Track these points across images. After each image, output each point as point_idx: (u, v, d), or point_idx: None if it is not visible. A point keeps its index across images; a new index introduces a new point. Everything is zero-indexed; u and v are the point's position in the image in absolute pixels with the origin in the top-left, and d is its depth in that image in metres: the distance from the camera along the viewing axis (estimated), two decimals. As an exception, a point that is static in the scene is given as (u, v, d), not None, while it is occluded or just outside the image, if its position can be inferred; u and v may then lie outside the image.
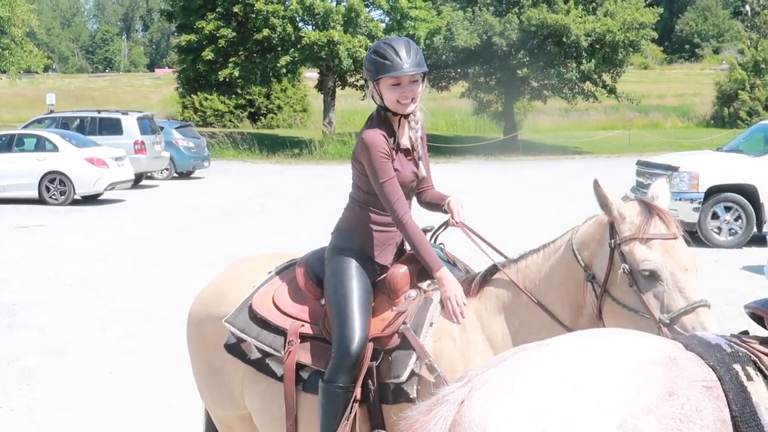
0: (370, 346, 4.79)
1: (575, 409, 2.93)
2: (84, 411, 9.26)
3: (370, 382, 4.76)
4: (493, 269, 4.91)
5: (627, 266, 4.27)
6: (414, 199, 5.30)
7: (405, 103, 4.92)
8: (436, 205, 5.29)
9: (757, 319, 3.52)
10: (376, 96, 4.99)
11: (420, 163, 5.17)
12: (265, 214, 24.55)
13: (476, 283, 4.90)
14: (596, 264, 4.45)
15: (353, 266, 4.99)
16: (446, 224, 5.22)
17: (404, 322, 4.81)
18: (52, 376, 10.39)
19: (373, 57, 4.90)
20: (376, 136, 4.92)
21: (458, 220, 5.11)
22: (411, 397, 4.61)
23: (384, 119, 5.02)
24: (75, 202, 27.53)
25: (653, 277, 4.22)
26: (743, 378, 3.08)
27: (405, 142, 5.07)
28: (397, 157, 4.99)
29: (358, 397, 4.74)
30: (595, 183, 4.36)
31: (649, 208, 4.37)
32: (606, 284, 4.38)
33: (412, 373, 4.69)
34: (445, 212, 5.23)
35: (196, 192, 31.33)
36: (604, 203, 4.37)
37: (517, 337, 4.62)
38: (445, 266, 4.82)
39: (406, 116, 5.03)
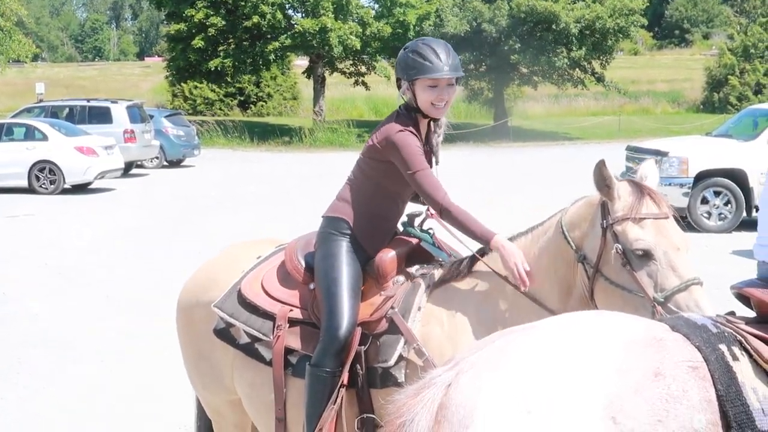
0: (359, 330, 4.78)
1: (561, 391, 2.94)
2: (76, 401, 9.26)
3: (358, 366, 4.76)
4: (481, 253, 4.89)
5: (620, 246, 4.28)
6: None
7: (439, 106, 4.90)
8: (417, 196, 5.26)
9: (743, 299, 3.52)
10: (408, 95, 4.94)
11: (435, 167, 5.15)
12: (257, 202, 24.52)
13: (464, 266, 4.90)
14: (587, 245, 4.45)
15: (343, 251, 4.99)
16: (426, 215, 5.20)
17: (392, 307, 4.81)
18: (44, 367, 10.38)
19: (412, 57, 4.86)
20: (409, 134, 4.87)
21: (432, 212, 5.08)
22: (399, 381, 4.61)
23: (411, 119, 4.98)
24: (65, 191, 27.48)
25: (646, 256, 4.23)
26: (729, 358, 3.10)
27: (426, 146, 5.06)
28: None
29: (346, 381, 4.74)
30: (602, 163, 4.33)
31: (640, 188, 4.38)
32: (598, 264, 4.38)
33: (400, 358, 4.69)
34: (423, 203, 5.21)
35: (186, 180, 31.30)
36: (606, 183, 4.35)
37: (506, 319, 4.61)
38: (499, 234, 4.76)
39: (435, 120, 5.01)
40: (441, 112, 4.94)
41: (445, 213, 4.84)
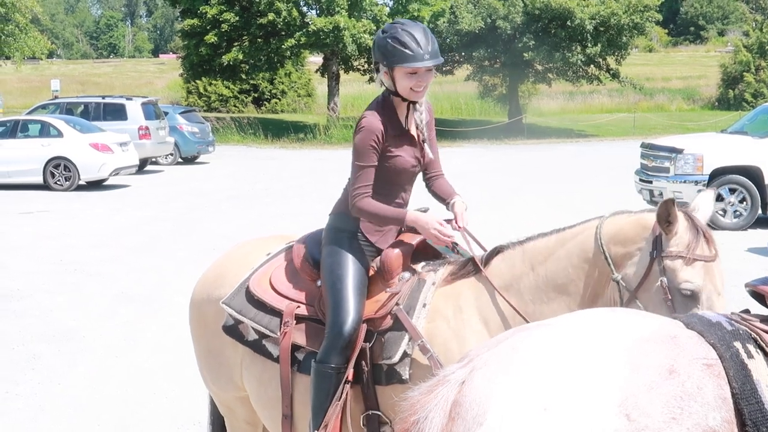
0: (364, 327, 4.78)
1: (577, 388, 2.92)
2: (88, 395, 9.27)
3: (363, 363, 4.75)
4: (495, 251, 4.87)
5: (665, 280, 4.24)
6: (420, 186, 5.26)
7: (418, 91, 4.88)
8: (441, 198, 5.24)
9: (758, 297, 3.50)
10: (387, 80, 4.92)
11: (426, 146, 5.13)
12: (270, 199, 24.58)
13: (472, 263, 4.87)
14: (630, 268, 4.39)
15: (349, 248, 4.98)
16: (451, 252, 5.15)
17: (397, 303, 4.80)
18: (57, 361, 10.41)
19: (392, 44, 4.82)
20: (374, 124, 4.87)
21: (461, 224, 5.03)
22: (404, 378, 4.60)
23: (389, 104, 4.97)
24: (80, 188, 27.60)
25: (692, 297, 4.21)
26: (744, 356, 3.07)
27: (411, 128, 5.03)
28: (399, 143, 4.95)
29: (351, 378, 4.74)
30: (671, 201, 4.24)
31: (696, 226, 4.32)
32: (637, 291, 4.33)
33: (405, 354, 4.68)
34: (448, 209, 5.18)
35: (200, 177, 31.36)
36: (669, 219, 4.27)
37: (514, 318, 4.60)
38: (409, 210, 4.85)
39: (414, 102, 4.99)
40: (420, 96, 4.93)
41: (355, 209, 4.89)
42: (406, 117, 5.02)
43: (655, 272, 4.29)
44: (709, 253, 4.29)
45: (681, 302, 4.22)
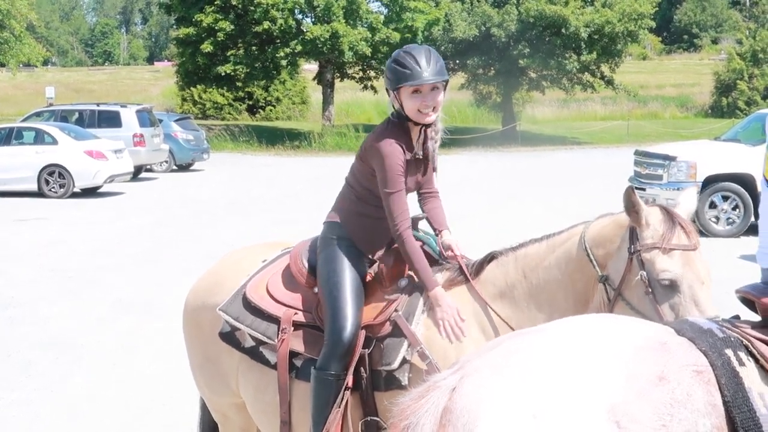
0: (363, 333, 4.80)
1: (566, 395, 2.93)
2: (84, 403, 9.28)
3: (362, 369, 4.77)
4: (489, 258, 4.89)
5: (645, 273, 4.23)
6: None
7: (425, 112, 4.86)
8: (431, 224, 5.28)
9: (748, 303, 3.51)
10: (396, 104, 4.93)
11: (435, 174, 5.19)
12: (265, 206, 24.57)
13: (472, 271, 4.89)
14: (612, 266, 4.41)
15: (346, 255, 4.99)
16: (446, 260, 5.13)
17: (396, 310, 4.83)
18: (53, 369, 10.41)
19: (393, 66, 4.86)
20: (395, 148, 4.86)
21: (459, 253, 5.04)
22: (403, 384, 4.62)
23: (402, 128, 4.97)
24: (74, 195, 27.59)
25: (671, 287, 4.19)
26: (735, 363, 3.09)
27: (420, 152, 5.03)
28: (407, 167, 4.95)
29: (350, 384, 4.76)
30: (631, 189, 4.27)
31: (672, 217, 4.33)
32: (621, 287, 4.34)
33: (404, 361, 4.70)
34: (437, 238, 5.20)
35: (195, 184, 31.35)
36: (634, 209, 4.29)
37: (510, 322, 4.61)
38: (440, 286, 4.78)
39: (427, 126, 4.99)
40: (428, 118, 4.89)
41: (399, 240, 4.87)
42: (420, 143, 5.02)
43: (634, 266, 4.29)
44: (687, 242, 4.27)
45: (662, 293, 4.20)
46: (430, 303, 4.82)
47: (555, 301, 4.60)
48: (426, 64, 4.80)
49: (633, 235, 4.34)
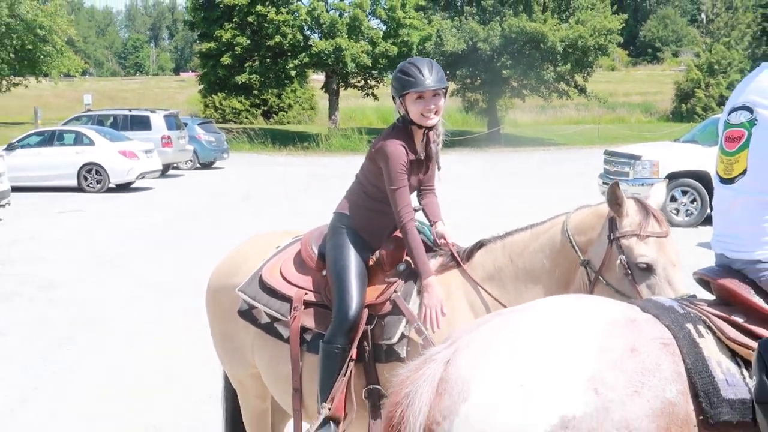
0: (366, 311, 4.79)
1: (549, 366, 2.93)
2: (117, 372, 9.29)
3: (365, 343, 4.77)
4: (479, 245, 4.88)
5: (624, 257, 4.24)
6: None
7: (428, 116, 4.85)
8: (428, 216, 5.27)
9: (705, 284, 3.52)
10: (402, 110, 4.92)
11: (437, 173, 5.20)
12: (278, 200, 24.55)
13: (463, 256, 4.89)
14: (592, 251, 4.40)
15: (351, 242, 4.98)
16: (440, 247, 5.10)
17: (395, 291, 4.83)
18: (88, 343, 10.43)
19: (399, 75, 4.86)
20: (398, 149, 4.86)
21: (450, 241, 5.03)
22: (401, 356, 4.62)
23: (406, 131, 4.95)
24: (109, 190, 27.58)
25: (648, 270, 4.21)
26: (695, 336, 3.09)
27: (422, 153, 5.02)
28: (410, 167, 4.94)
29: (354, 356, 4.75)
30: (616, 184, 4.29)
31: (646, 208, 4.35)
32: (601, 270, 4.34)
33: (402, 336, 4.70)
34: (432, 227, 5.21)
35: (216, 181, 31.35)
36: (617, 202, 4.30)
37: (495, 304, 4.61)
38: (433, 276, 4.78)
39: (429, 129, 4.97)
40: (431, 121, 4.89)
41: (403, 231, 4.86)
42: (423, 144, 5.01)
43: (614, 252, 4.30)
44: (660, 230, 4.30)
45: (639, 275, 4.22)
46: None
47: (539, 283, 4.59)
48: (428, 73, 4.80)
49: (612, 224, 4.34)
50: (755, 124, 3.28)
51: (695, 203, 19.07)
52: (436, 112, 4.87)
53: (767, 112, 3.26)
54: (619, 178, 19.59)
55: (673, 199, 18.93)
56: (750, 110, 3.31)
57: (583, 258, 4.43)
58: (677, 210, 18.94)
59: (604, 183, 20.34)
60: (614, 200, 4.32)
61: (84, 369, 9.43)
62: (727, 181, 3.41)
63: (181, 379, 8.93)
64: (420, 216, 5.11)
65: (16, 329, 11.12)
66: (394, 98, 4.97)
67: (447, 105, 4.95)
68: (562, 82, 49.80)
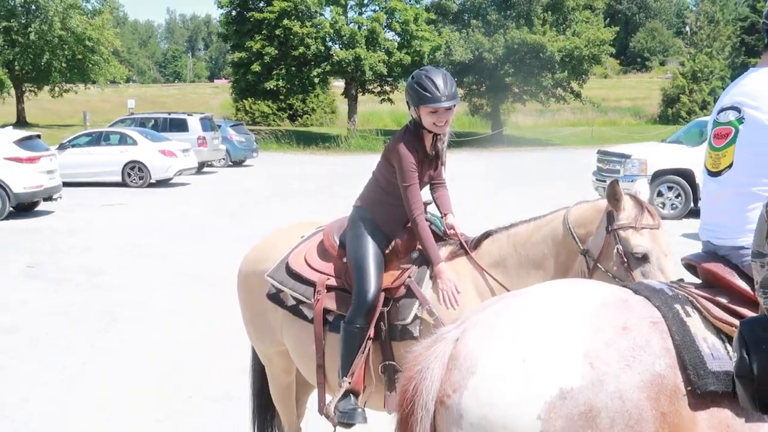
0: (382, 295, 4.80)
1: (549, 344, 2.93)
2: (154, 352, 9.33)
3: (382, 323, 4.77)
4: (485, 235, 4.88)
5: (621, 247, 4.26)
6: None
7: (440, 125, 4.83)
8: (439, 207, 5.26)
9: (691, 269, 3.52)
10: (415, 116, 4.88)
11: (443, 169, 5.18)
12: (301, 194, 24.60)
13: (471, 245, 4.88)
14: (591, 242, 4.40)
15: (369, 233, 4.98)
16: (449, 237, 5.08)
17: (409, 276, 4.82)
18: (132, 323, 10.49)
19: (416, 87, 4.79)
20: (409, 150, 4.84)
21: (459, 232, 5.01)
22: (415, 335, 4.62)
23: (417, 134, 4.92)
24: (150, 185, 27.68)
25: (643, 258, 4.23)
26: (683, 315, 3.09)
27: (431, 152, 5.00)
28: (421, 166, 4.93)
29: (372, 335, 4.76)
30: (615, 182, 4.30)
31: (640, 203, 4.36)
32: (599, 259, 4.34)
33: (415, 317, 4.70)
34: (443, 219, 5.18)
35: (246, 177, 31.39)
36: (616, 197, 4.31)
37: (500, 289, 4.61)
38: (443, 262, 4.77)
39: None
40: (442, 130, 4.88)
41: (414, 223, 4.85)
42: (431, 144, 4.98)
43: (611, 242, 4.30)
44: (653, 222, 4.32)
45: (635, 263, 4.24)
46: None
47: (540, 270, 4.58)
48: (444, 89, 4.74)
49: (610, 217, 4.34)
50: (743, 122, 3.30)
51: (680, 198, 19.09)
52: (446, 121, 4.85)
53: (753, 111, 3.27)
54: (610, 175, 19.60)
55: (659, 194, 18.95)
56: (738, 110, 3.33)
57: (582, 248, 4.43)
58: (663, 204, 18.93)
59: (597, 180, 20.34)
60: (613, 196, 4.32)
61: (126, 347, 9.47)
62: (715, 174, 3.41)
63: (215, 356, 8.96)
64: (432, 208, 5.10)
65: (65, 311, 11.18)
66: (408, 104, 4.94)
67: (455, 109, 4.92)
68: (559, 88, 49.77)
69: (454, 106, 4.84)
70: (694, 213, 17.89)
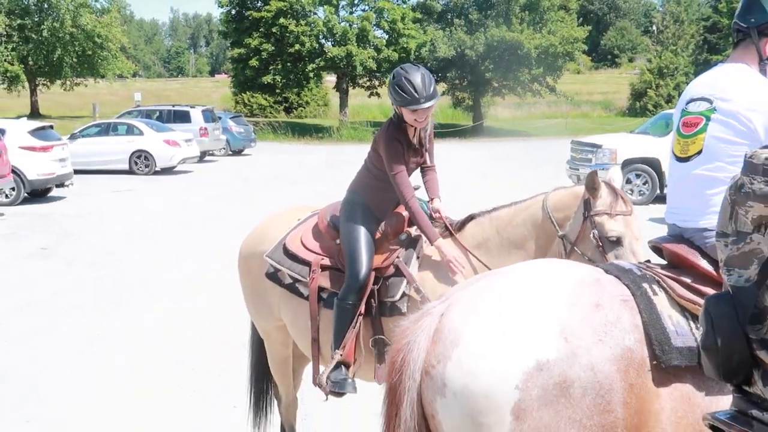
0: (373, 274, 4.80)
1: (527, 319, 2.93)
2: (164, 324, 9.33)
3: (372, 300, 4.77)
4: (469, 218, 4.89)
5: (596, 232, 4.28)
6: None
7: (420, 121, 4.83)
8: (427, 191, 5.25)
9: (657, 251, 3.53)
10: (398, 113, 4.86)
11: (427, 154, 5.14)
12: (297, 180, 24.55)
13: (455, 227, 4.89)
14: (569, 226, 4.41)
15: (361, 216, 4.97)
16: (435, 220, 5.06)
17: (398, 257, 4.82)
18: (138, 302, 10.48)
19: (396, 89, 4.76)
20: (394, 141, 4.83)
21: (444, 215, 5.01)
22: (403, 311, 4.63)
23: (400, 126, 4.90)
24: (156, 173, 27.59)
25: (617, 242, 4.25)
26: (650, 293, 3.10)
27: (415, 141, 4.98)
28: (407, 154, 4.91)
29: (363, 311, 4.76)
30: (594, 173, 4.32)
31: (615, 191, 4.37)
32: (576, 242, 4.36)
33: (403, 294, 4.71)
34: (429, 203, 5.17)
35: (245, 165, 31.32)
36: (595, 186, 4.32)
37: (482, 268, 4.61)
38: (440, 238, 4.76)
39: None
40: (422, 125, 4.88)
41: (408, 207, 4.83)
42: (414, 135, 4.97)
43: (587, 227, 4.32)
44: (626, 209, 4.34)
45: (609, 246, 4.26)
46: (422, 254, 4.84)
47: (521, 251, 4.59)
48: (422, 89, 4.71)
49: (587, 203, 4.36)
50: (714, 112, 3.32)
51: (647, 185, 19.12)
52: (426, 117, 4.84)
53: (724, 104, 3.30)
54: (583, 164, 19.63)
55: (628, 181, 18.97)
56: (710, 101, 3.35)
57: (560, 232, 4.44)
58: (632, 190, 18.96)
59: (570, 168, 20.38)
60: (592, 185, 4.34)
61: (136, 321, 9.47)
62: (683, 159, 3.43)
63: (219, 331, 8.96)
64: (419, 193, 5.09)
65: (79, 288, 11.17)
66: (391, 101, 4.91)
67: (439, 103, 4.91)
68: (535, 83, 49.70)
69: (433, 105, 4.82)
70: (661, 199, 17.93)
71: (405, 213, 5.02)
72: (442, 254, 4.68)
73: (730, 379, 2.16)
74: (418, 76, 4.75)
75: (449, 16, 50.36)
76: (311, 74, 50.86)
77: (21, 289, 11.20)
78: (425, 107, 4.73)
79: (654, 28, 72.20)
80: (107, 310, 9.99)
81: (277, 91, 57.00)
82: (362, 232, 4.90)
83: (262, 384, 5.79)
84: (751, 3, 3.42)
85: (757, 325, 2.07)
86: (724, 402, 2.90)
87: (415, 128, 4.93)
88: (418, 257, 4.82)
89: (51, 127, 22.04)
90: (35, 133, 20.50)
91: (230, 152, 36.16)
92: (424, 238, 4.87)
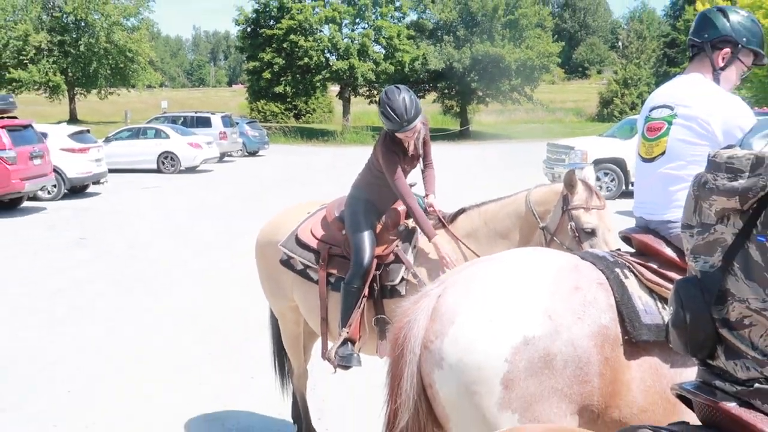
0: (375, 261, 4.79)
1: (513, 302, 2.94)
2: (184, 309, 9.31)
3: (375, 284, 4.78)
4: (460, 212, 4.88)
5: (573, 224, 4.29)
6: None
7: (410, 137, 4.82)
8: (424, 186, 5.21)
9: (627, 240, 3.54)
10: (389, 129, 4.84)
11: (420, 160, 5.11)
12: (306, 180, 24.53)
13: (448, 219, 4.88)
14: (549, 219, 4.42)
15: (364, 209, 4.97)
16: (429, 213, 5.03)
17: (397, 246, 4.83)
18: (160, 289, 10.45)
19: (383, 114, 4.73)
20: (389, 152, 4.82)
21: (437, 209, 4.98)
22: (402, 294, 4.63)
23: (394, 138, 4.88)
24: (180, 172, 27.55)
25: (592, 233, 4.26)
26: (622, 277, 3.11)
27: (411, 149, 4.95)
28: (402, 160, 4.89)
29: (367, 294, 4.76)
30: (572, 172, 4.34)
31: (589, 188, 4.37)
32: (555, 233, 4.36)
33: (402, 279, 4.72)
34: (425, 197, 5.14)
35: (260, 166, 31.28)
36: (572, 184, 4.32)
37: (472, 256, 4.61)
38: (438, 234, 4.75)
39: None
40: (412, 139, 4.86)
41: (408, 207, 4.81)
42: (409, 144, 4.93)
43: (566, 220, 4.33)
44: (600, 204, 4.35)
45: (585, 237, 4.27)
46: (417, 245, 4.84)
47: (506, 240, 4.59)
48: (404, 114, 4.67)
49: (566, 199, 4.36)
50: (675, 118, 3.32)
51: (614, 182, 19.17)
52: (414, 132, 4.82)
53: (684, 110, 3.31)
54: (557, 164, 19.64)
55: (597, 178, 18.97)
56: (671, 108, 3.35)
57: (541, 224, 4.44)
58: (600, 187, 18.95)
59: (546, 167, 20.39)
60: (570, 183, 4.35)
61: (159, 306, 9.46)
62: (648, 160, 3.43)
63: (238, 313, 8.96)
64: (416, 189, 5.08)
65: (107, 276, 11.15)
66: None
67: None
68: (515, 92, 49.71)
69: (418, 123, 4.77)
70: (626, 194, 17.94)
71: (402, 208, 5.02)
72: (437, 250, 4.68)
73: (696, 353, 2.16)
74: (399, 102, 4.70)
75: (439, 33, 50.22)
76: (318, 84, 50.77)
77: (59, 273, 11.20)
78: (409, 129, 4.73)
79: (620, 43, 72.13)
80: (133, 297, 9.96)
81: (288, 99, 56.93)
82: (365, 224, 4.89)
83: (282, 353, 5.81)
84: (704, 21, 3.44)
85: (720, 306, 2.07)
86: (687, 373, 2.90)
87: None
88: (415, 246, 4.83)
89: (88, 131, 22.02)
90: (74, 136, 20.54)
91: (246, 153, 36.08)
92: (419, 229, 4.87)
